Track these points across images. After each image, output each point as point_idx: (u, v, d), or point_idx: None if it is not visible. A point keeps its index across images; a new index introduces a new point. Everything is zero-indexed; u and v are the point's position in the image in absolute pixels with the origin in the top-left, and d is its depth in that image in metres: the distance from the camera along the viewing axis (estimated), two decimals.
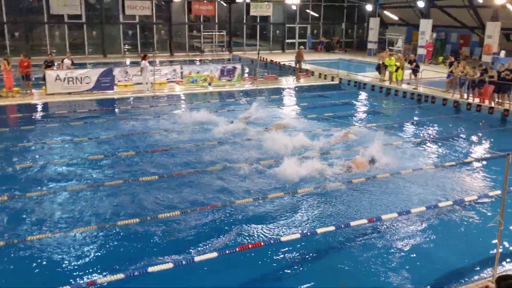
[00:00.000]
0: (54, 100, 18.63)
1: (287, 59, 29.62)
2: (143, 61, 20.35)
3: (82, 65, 24.33)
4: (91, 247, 7.67)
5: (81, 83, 19.73)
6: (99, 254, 7.51)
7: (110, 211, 8.95)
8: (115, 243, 7.83)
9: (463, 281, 6.61)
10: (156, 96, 19.60)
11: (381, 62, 23.32)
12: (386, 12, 37.47)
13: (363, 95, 21.81)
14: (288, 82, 24.39)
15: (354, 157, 11.69)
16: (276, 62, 29.87)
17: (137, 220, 8.42)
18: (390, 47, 34.35)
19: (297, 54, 25.34)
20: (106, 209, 9.01)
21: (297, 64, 25.21)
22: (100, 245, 7.74)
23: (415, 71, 21.23)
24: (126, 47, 33.65)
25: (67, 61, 20.54)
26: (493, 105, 17.50)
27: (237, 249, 7.37)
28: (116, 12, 32.67)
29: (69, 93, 19.38)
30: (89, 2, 31.88)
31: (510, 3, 26.02)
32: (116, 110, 17.92)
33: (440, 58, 31.45)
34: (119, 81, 21.26)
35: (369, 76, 24.39)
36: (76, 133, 14.16)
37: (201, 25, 35.67)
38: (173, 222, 8.47)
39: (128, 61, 29.92)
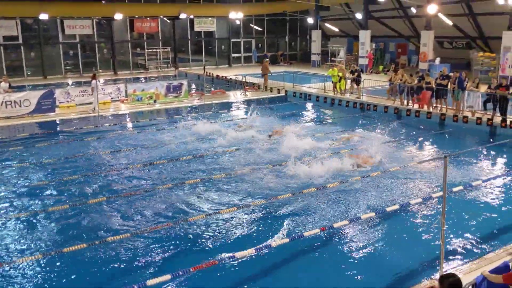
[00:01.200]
0: None
1: (233, 73, 29.81)
2: (94, 81, 19.99)
3: (21, 88, 23.41)
4: (36, 277, 7.32)
5: (20, 106, 18.95)
6: (45, 284, 7.18)
7: (55, 238, 8.60)
8: (62, 271, 7.52)
9: (411, 283, 6.82)
10: (101, 116, 19.13)
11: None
12: (327, 25, 38.57)
13: (309, 106, 22.24)
14: (236, 96, 24.49)
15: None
16: (223, 76, 29.97)
17: (85, 245, 8.12)
18: (333, 58, 35.37)
19: (262, 67, 25.67)
20: (51, 236, 8.65)
21: (263, 77, 25.53)
22: (46, 274, 7.40)
23: (357, 80, 21.91)
24: (67, 67, 32.68)
25: (3, 85, 19.69)
26: (431, 110, 18.33)
27: (192, 269, 7.25)
28: (55, 32, 31.70)
29: (8, 118, 18.56)
30: (26, 22, 30.79)
31: (442, 12, 27.47)
32: (59, 132, 17.32)
33: (381, 67, 32.66)
34: (60, 102, 20.57)
35: (314, 87, 24.91)
36: (16, 158, 13.56)
37: (145, 42, 35.28)
38: (123, 245, 8.24)
39: (70, 82, 29.08)
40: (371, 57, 32.07)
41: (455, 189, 10.62)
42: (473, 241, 8.31)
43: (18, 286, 7.10)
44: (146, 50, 35.22)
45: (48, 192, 10.90)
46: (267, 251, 7.96)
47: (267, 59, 29.46)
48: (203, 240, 8.49)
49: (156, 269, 7.50)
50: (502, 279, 5.05)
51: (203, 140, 15.33)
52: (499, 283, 5.18)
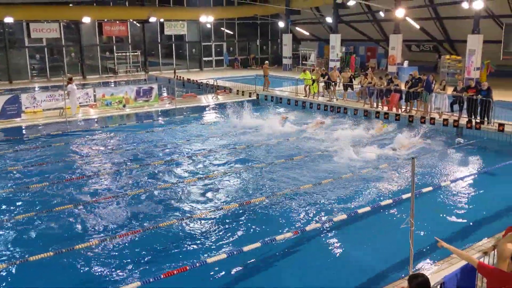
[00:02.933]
0: None
1: (205, 77, 29.65)
2: (70, 85, 19.65)
3: None
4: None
5: None
6: None
7: (20, 246, 8.34)
8: (27, 281, 7.29)
9: (382, 283, 6.87)
10: (69, 121, 18.71)
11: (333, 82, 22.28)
12: (297, 28, 38.86)
13: (280, 109, 22.26)
14: (207, 100, 24.37)
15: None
16: (194, 80, 29.78)
17: (51, 253, 7.88)
18: (304, 62, 35.66)
19: (264, 69, 25.46)
20: (15, 245, 8.39)
21: (265, 78, 25.25)
22: (10, 285, 7.16)
23: (327, 83, 22.10)
24: (34, 72, 31.88)
25: None
26: (399, 112, 18.63)
27: (162, 276, 7.12)
28: (20, 35, 30.91)
29: None
30: None
31: (409, 16, 28.05)
32: (25, 138, 16.84)
33: (355, 70, 33.00)
34: (27, 108, 20.03)
35: (285, 91, 25.01)
36: None
37: (114, 46, 34.75)
38: (91, 252, 8.06)
39: (36, 86, 28.38)
40: (353, 60, 32.32)
41: (424, 190, 10.79)
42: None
43: None
44: (116, 54, 34.69)
45: (13, 200, 10.55)
46: (237, 256, 7.87)
47: (267, 61, 29.00)
48: (174, 245, 8.38)
49: (125, 276, 7.35)
50: (477, 265, 5.12)
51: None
52: (473, 266, 5.25)
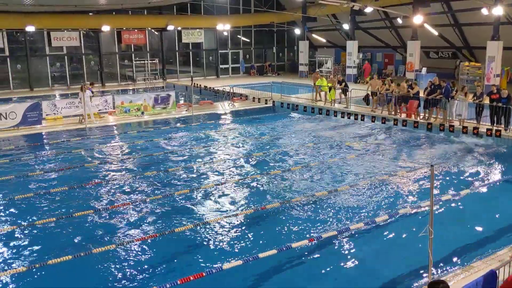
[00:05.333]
0: None
1: (221, 84, 29.81)
2: (88, 91, 20.03)
3: (7, 101, 23.18)
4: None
5: (6, 118, 18.72)
6: None
7: (39, 250, 8.47)
8: (46, 284, 7.39)
9: None
10: (88, 128, 18.99)
11: (370, 92, 21.39)
12: (314, 35, 38.85)
13: (296, 117, 22.23)
14: (224, 107, 24.47)
15: None
16: (211, 88, 29.95)
17: (70, 257, 7.97)
18: (320, 69, 35.57)
19: (314, 78, 25.37)
20: (36, 249, 8.53)
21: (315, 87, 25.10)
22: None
23: (344, 90, 22.02)
24: (55, 79, 32.42)
25: None
26: (418, 119, 18.43)
27: (178, 282, 7.15)
28: (41, 44, 31.50)
29: None
30: (12, 34, 30.57)
31: (428, 23, 27.82)
32: (46, 144, 17.13)
33: (369, 77, 32.83)
34: (47, 114, 20.38)
35: (301, 98, 24.97)
36: (2, 171, 13.35)
37: (133, 54, 35.19)
38: (109, 257, 8.13)
39: (57, 94, 28.87)
40: (367, 66, 31.99)
41: (442, 198, 10.65)
42: (460, 249, 8.32)
43: None
44: (134, 62, 35.09)
45: (34, 204, 10.72)
46: (253, 262, 7.85)
47: (317, 70, 28.81)
48: (188, 251, 8.40)
49: (142, 281, 7.40)
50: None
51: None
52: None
